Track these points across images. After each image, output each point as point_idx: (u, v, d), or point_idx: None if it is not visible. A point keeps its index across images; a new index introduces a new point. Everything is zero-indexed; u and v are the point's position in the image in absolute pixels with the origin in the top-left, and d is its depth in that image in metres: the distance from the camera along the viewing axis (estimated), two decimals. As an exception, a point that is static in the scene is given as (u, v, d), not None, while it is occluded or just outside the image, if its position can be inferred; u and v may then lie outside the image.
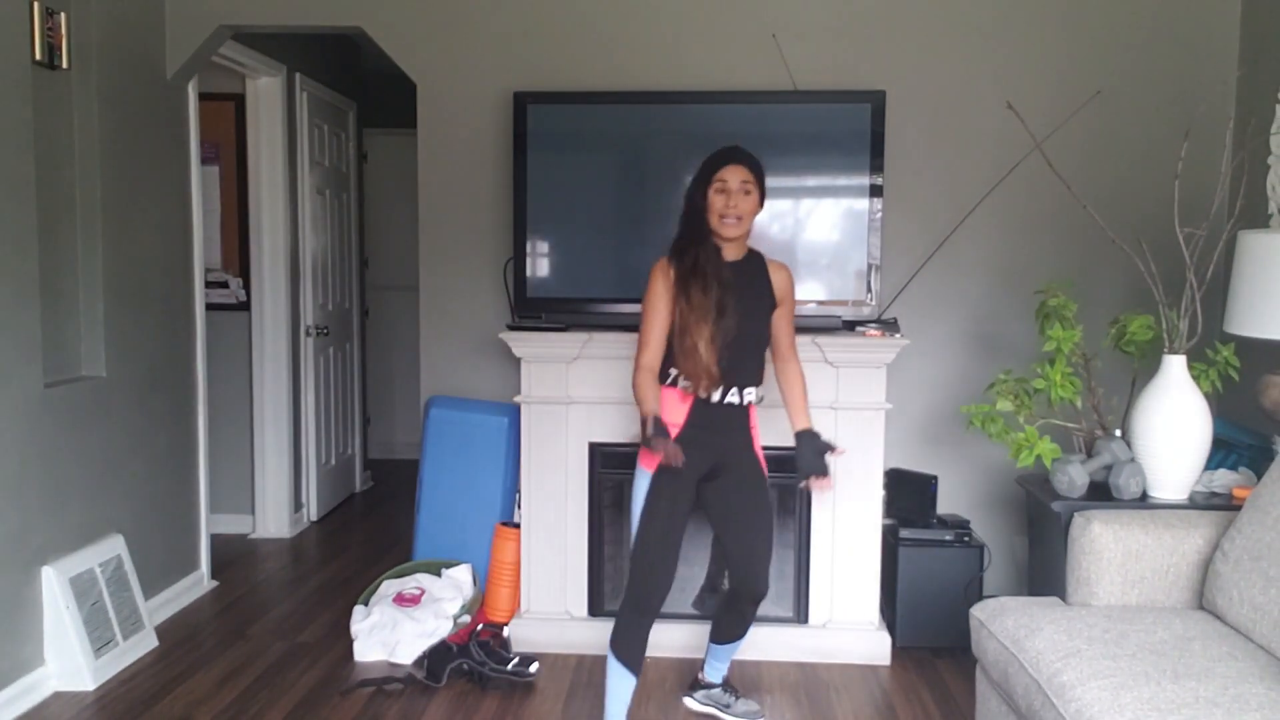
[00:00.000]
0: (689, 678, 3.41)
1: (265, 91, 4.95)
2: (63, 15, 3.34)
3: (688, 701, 3.21)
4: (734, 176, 2.75)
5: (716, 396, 2.76)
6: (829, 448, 2.87)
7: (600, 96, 3.75)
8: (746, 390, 2.80)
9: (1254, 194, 3.46)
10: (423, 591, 3.73)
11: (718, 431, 2.79)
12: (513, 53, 3.95)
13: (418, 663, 3.42)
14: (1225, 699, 2.01)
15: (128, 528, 3.69)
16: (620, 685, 2.79)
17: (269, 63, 4.83)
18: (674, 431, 2.73)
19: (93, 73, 3.49)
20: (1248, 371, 3.13)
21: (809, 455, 2.85)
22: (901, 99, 3.79)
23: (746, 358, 2.80)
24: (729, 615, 3.01)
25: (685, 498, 2.78)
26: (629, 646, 2.78)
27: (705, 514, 2.88)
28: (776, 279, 2.89)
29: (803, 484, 2.89)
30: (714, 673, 3.18)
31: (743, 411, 2.82)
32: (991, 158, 3.78)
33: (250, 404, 5.04)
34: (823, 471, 2.85)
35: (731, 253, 2.82)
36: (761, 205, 2.83)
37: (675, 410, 2.77)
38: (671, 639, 3.58)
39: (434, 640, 3.52)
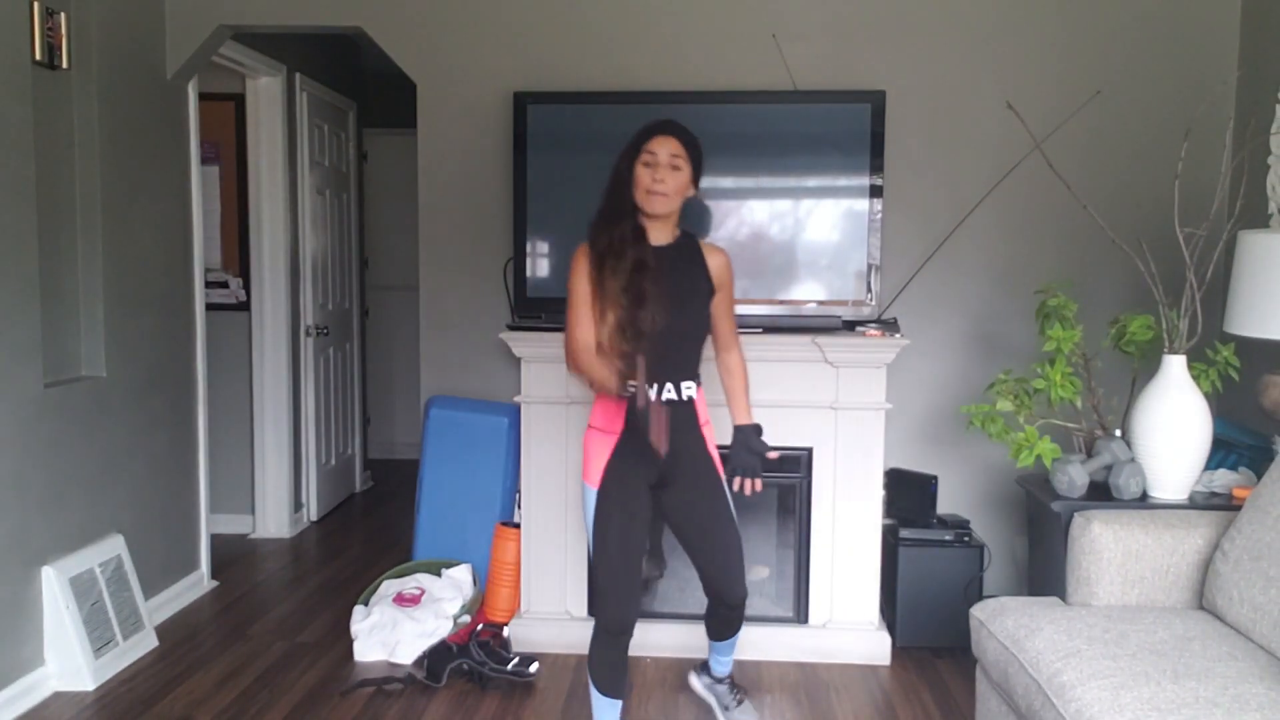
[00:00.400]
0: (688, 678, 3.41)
1: (265, 91, 4.95)
2: (63, 15, 3.34)
3: (691, 679, 3.19)
4: (663, 149, 2.54)
5: (652, 394, 2.53)
6: (765, 448, 2.69)
7: (600, 96, 3.75)
8: (685, 384, 2.61)
9: (1254, 194, 3.46)
10: (423, 591, 3.73)
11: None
12: (513, 53, 3.95)
13: (418, 663, 3.42)
14: (1225, 699, 2.01)
15: (128, 528, 3.69)
16: (605, 713, 2.67)
17: (269, 63, 4.83)
18: (612, 441, 2.59)
19: (93, 73, 3.49)
20: (1248, 371, 3.14)
21: (742, 453, 2.68)
22: (901, 99, 3.79)
23: (677, 350, 2.59)
24: (715, 620, 2.89)
25: (637, 508, 2.60)
26: (607, 673, 2.64)
27: (666, 525, 2.69)
28: (713, 263, 2.66)
29: (731, 481, 2.69)
30: (718, 666, 3.08)
31: (684, 408, 2.62)
32: (991, 158, 3.79)
33: (250, 404, 5.04)
34: (754, 472, 2.67)
35: (659, 234, 2.60)
36: (695, 185, 2.61)
37: (613, 416, 2.60)
38: (672, 639, 3.58)
39: (434, 640, 3.52)
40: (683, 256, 2.63)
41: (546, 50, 3.93)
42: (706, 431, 2.69)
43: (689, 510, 2.67)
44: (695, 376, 2.66)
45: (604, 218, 2.58)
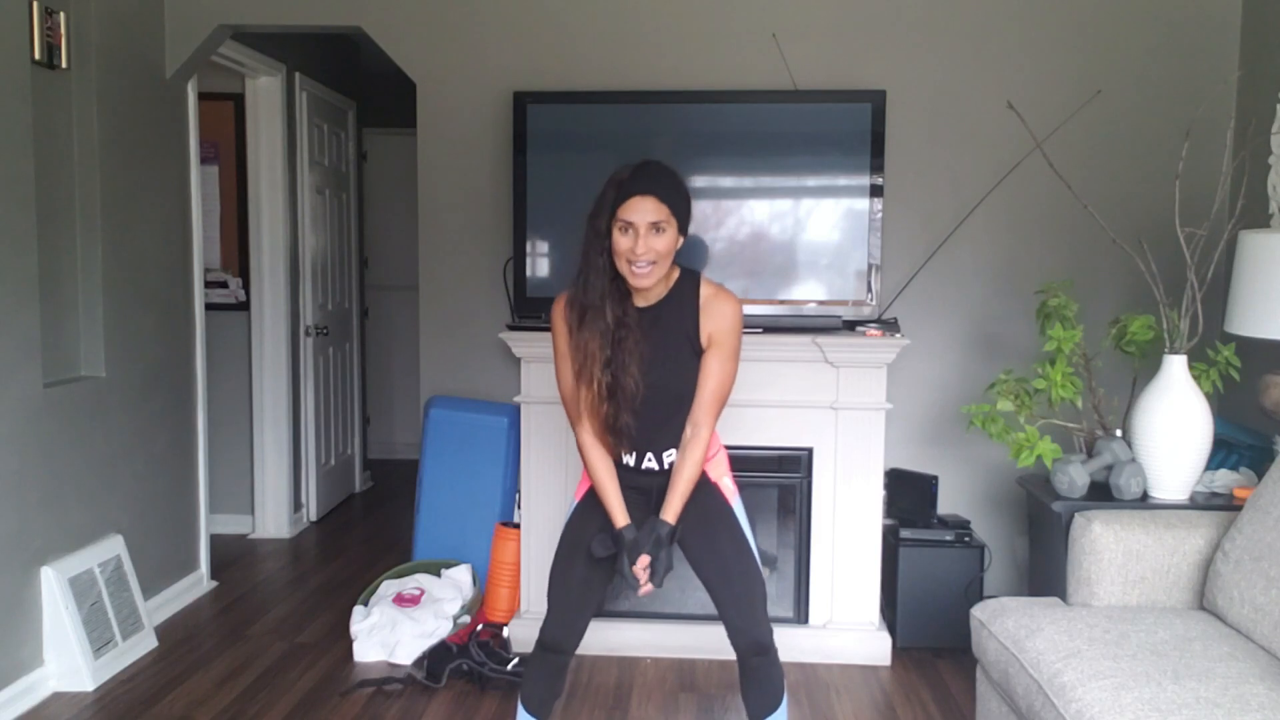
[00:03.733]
0: (688, 678, 3.41)
1: (265, 91, 4.95)
2: (62, 15, 3.34)
3: None
4: (642, 216, 2.17)
5: (631, 462, 2.36)
6: (658, 552, 2.28)
7: (600, 96, 3.75)
8: (668, 453, 2.36)
9: (1255, 194, 3.46)
10: (422, 592, 3.73)
11: (651, 486, 2.39)
12: (513, 53, 3.94)
13: (417, 663, 3.42)
14: (1226, 699, 2.01)
15: (127, 528, 3.68)
16: None
17: (268, 62, 4.83)
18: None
19: (92, 72, 3.49)
20: (1248, 371, 3.13)
21: (644, 544, 2.29)
22: (901, 99, 3.79)
23: (664, 417, 2.32)
24: (746, 680, 2.42)
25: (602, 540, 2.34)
26: (527, 684, 2.44)
27: (689, 563, 2.45)
28: (708, 315, 2.29)
29: (629, 567, 2.30)
30: None
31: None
32: (991, 158, 3.78)
33: (250, 404, 5.04)
34: (635, 579, 2.29)
35: (651, 292, 2.29)
36: (684, 235, 2.26)
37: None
38: (671, 639, 3.58)
39: (433, 640, 3.52)
40: (673, 311, 2.30)
41: (546, 50, 3.93)
42: (710, 465, 2.42)
43: (697, 545, 2.40)
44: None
45: (582, 282, 2.26)
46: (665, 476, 2.36)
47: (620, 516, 2.33)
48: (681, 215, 2.25)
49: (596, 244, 2.23)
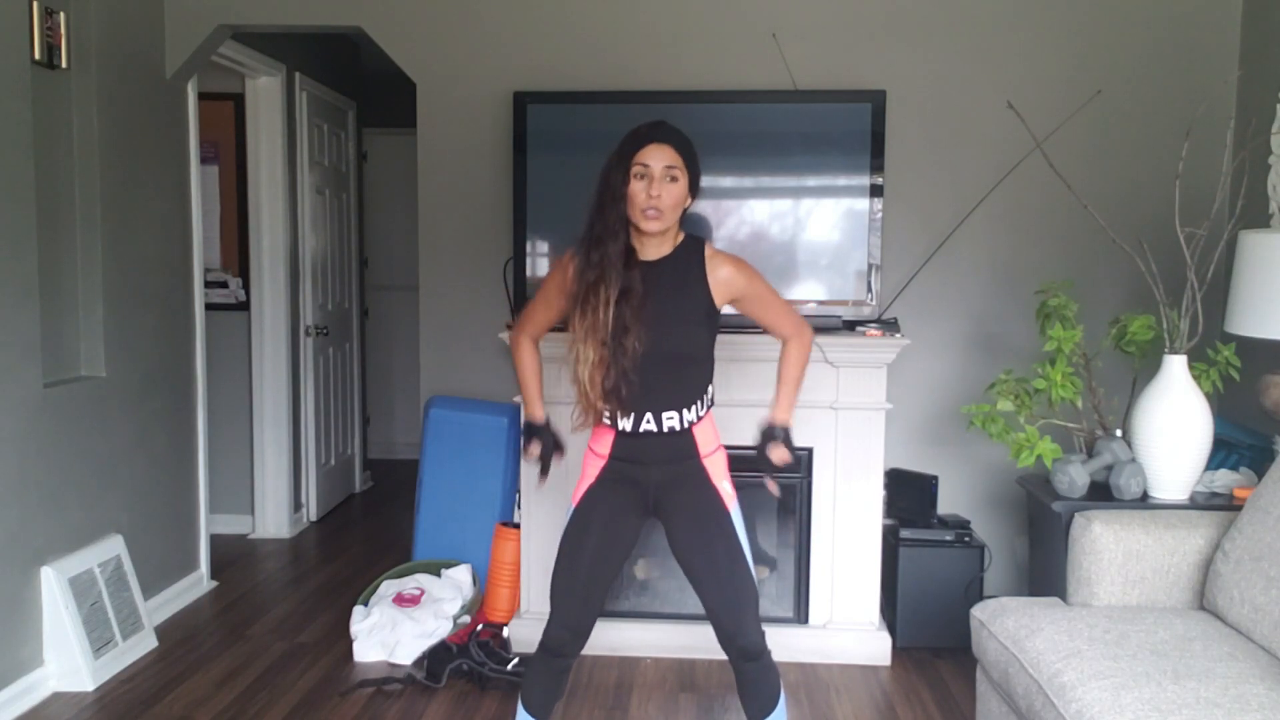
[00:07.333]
0: (688, 678, 3.41)
1: (265, 91, 4.95)
2: (62, 15, 3.34)
3: None
4: (658, 160, 2.27)
5: (629, 425, 2.35)
6: (771, 461, 2.44)
7: (600, 96, 3.75)
8: (668, 414, 2.34)
9: (1255, 194, 3.46)
10: (422, 592, 3.73)
11: (649, 463, 2.38)
12: (513, 53, 3.95)
13: (417, 663, 3.42)
14: (1226, 699, 2.01)
15: (127, 528, 3.68)
16: None
17: (269, 62, 4.83)
18: (601, 464, 2.42)
19: (92, 72, 3.49)
20: (1248, 371, 3.13)
21: (763, 457, 2.46)
22: (901, 99, 3.79)
23: (667, 376, 2.33)
24: (742, 686, 2.45)
25: (612, 534, 2.39)
26: (528, 685, 2.45)
27: (677, 563, 2.46)
28: (717, 277, 2.36)
29: (764, 481, 2.51)
30: None
31: (679, 439, 2.37)
32: (991, 158, 3.78)
33: (250, 404, 5.04)
34: (771, 471, 2.45)
35: (655, 247, 2.36)
36: (693, 194, 2.35)
37: (602, 439, 2.42)
38: (672, 639, 3.58)
39: (434, 641, 3.52)
40: (678, 270, 2.36)
41: (546, 50, 3.93)
42: (710, 463, 2.41)
43: (690, 545, 2.40)
44: (687, 405, 2.37)
45: (593, 237, 2.31)
46: (671, 441, 2.37)
47: (537, 410, 2.55)
48: (693, 171, 2.34)
49: (610, 195, 2.30)
